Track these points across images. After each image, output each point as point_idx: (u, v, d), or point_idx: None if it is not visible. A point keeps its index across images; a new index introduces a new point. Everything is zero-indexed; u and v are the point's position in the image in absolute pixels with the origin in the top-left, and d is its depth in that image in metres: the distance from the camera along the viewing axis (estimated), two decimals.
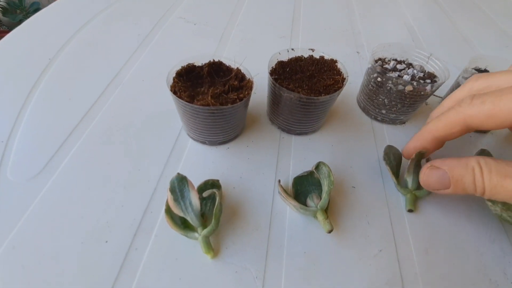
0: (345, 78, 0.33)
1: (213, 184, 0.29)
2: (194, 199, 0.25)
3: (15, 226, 0.26)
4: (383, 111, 0.38)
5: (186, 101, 0.28)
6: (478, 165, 0.21)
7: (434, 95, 0.43)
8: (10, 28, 1.48)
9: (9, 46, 0.45)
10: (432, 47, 0.57)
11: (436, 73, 0.37)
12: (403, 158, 0.33)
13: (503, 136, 0.40)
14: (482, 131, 0.40)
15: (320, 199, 0.28)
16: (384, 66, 0.38)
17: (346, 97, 0.43)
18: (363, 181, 0.32)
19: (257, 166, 0.33)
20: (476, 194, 0.22)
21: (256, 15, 0.60)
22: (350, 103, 0.42)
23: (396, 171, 0.32)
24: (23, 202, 0.27)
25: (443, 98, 0.43)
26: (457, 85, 0.40)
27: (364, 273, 0.25)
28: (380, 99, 0.37)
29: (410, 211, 0.29)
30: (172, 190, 0.25)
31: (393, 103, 0.36)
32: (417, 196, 0.30)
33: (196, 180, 0.28)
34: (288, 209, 0.29)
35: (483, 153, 0.34)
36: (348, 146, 0.36)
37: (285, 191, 0.28)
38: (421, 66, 0.38)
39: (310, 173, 0.31)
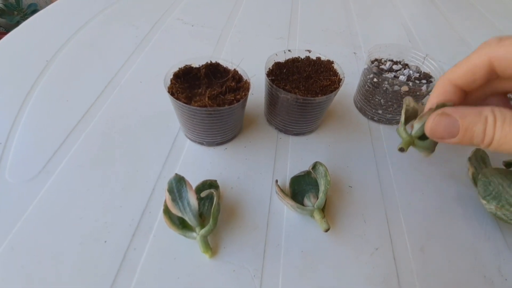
0: (341, 79, 0.33)
1: (211, 185, 0.29)
2: (192, 199, 0.25)
3: (14, 227, 0.26)
4: (380, 111, 0.38)
5: (184, 103, 0.28)
6: (492, 114, 0.20)
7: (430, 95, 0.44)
8: (7, 29, 1.48)
9: (6, 48, 0.45)
10: (428, 47, 0.57)
11: (431, 74, 0.38)
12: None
13: None
14: None
15: (317, 198, 0.28)
16: (380, 66, 0.38)
17: (342, 98, 0.43)
18: (359, 181, 0.33)
19: (254, 167, 0.33)
20: (481, 145, 0.21)
21: (254, 17, 0.61)
22: (347, 103, 0.43)
23: (407, 117, 0.27)
24: (21, 203, 0.28)
25: None
26: None
27: (361, 271, 0.26)
28: (377, 100, 0.37)
29: (401, 149, 0.25)
30: (170, 191, 0.26)
31: (389, 103, 0.36)
32: (414, 144, 0.26)
33: (194, 180, 0.29)
34: (286, 209, 0.29)
35: (478, 152, 0.34)
36: (345, 146, 0.36)
37: (282, 191, 0.28)
38: (417, 67, 0.38)
39: (307, 173, 0.31)
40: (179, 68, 0.32)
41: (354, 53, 0.53)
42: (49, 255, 0.25)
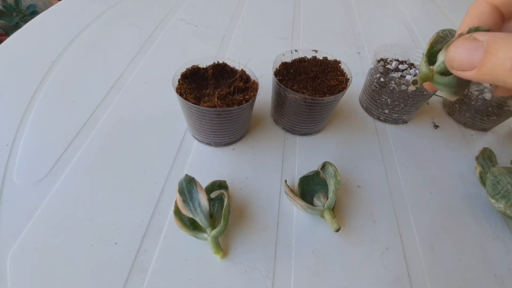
0: (349, 79, 0.33)
1: (220, 185, 0.29)
2: (203, 200, 0.25)
3: (24, 229, 0.26)
4: (386, 111, 0.38)
5: (192, 103, 0.28)
6: None
7: (436, 94, 0.44)
8: (6, 31, 1.47)
9: (10, 50, 0.45)
10: None
11: None
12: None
13: (505, 135, 0.40)
14: (484, 130, 0.40)
15: (327, 198, 0.28)
16: (386, 66, 0.38)
17: (348, 98, 0.43)
18: (368, 180, 0.33)
19: (262, 167, 0.33)
20: (508, 80, 0.16)
21: (257, 17, 0.61)
22: (353, 103, 0.43)
23: (434, 51, 0.22)
24: (30, 205, 0.27)
25: (443, 97, 0.44)
26: None
27: (372, 271, 0.26)
28: (383, 99, 0.37)
29: (414, 82, 0.21)
30: (181, 192, 0.26)
31: (396, 102, 0.36)
32: (433, 80, 0.21)
33: (203, 181, 0.28)
34: (295, 209, 0.29)
35: (485, 151, 0.34)
36: (352, 145, 0.36)
37: (292, 191, 0.28)
38: None
39: (316, 173, 0.31)
40: (187, 69, 0.32)
41: (358, 52, 0.53)
42: (59, 257, 0.24)
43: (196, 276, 0.24)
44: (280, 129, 0.37)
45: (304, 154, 0.35)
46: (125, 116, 0.37)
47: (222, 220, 0.25)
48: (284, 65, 0.35)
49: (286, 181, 0.30)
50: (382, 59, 0.40)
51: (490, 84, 0.36)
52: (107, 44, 0.48)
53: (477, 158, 0.34)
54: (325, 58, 0.36)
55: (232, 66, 0.34)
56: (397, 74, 0.36)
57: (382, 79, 0.36)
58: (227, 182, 0.30)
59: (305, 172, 0.32)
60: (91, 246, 0.25)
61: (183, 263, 0.25)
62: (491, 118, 0.38)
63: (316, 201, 0.29)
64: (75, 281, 0.23)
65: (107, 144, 0.33)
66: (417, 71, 0.37)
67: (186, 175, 0.26)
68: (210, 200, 0.28)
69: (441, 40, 0.21)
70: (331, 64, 0.35)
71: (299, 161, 0.34)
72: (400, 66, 0.38)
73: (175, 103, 0.30)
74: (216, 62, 0.33)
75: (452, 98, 0.21)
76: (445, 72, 0.20)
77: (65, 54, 0.45)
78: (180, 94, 0.29)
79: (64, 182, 0.29)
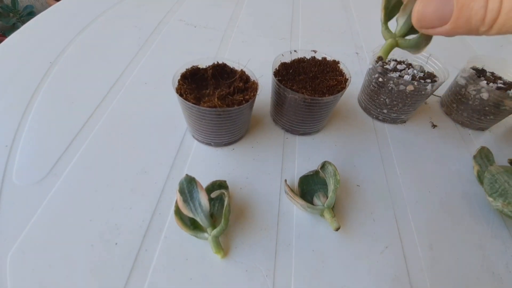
0: (347, 79, 0.33)
1: (220, 185, 0.29)
2: (203, 199, 0.25)
3: (23, 230, 0.26)
4: (385, 111, 0.38)
5: (193, 103, 0.28)
6: None
7: (434, 94, 0.44)
8: (3, 31, 1.46)
9: (10, 50, 0.45)
10: (430, 47, 0.57)
11: (435, 73, 0.38)
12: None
13: (501, 134, 0.41)
14: (481, 129, 0.40)
15: (327, 197, 0.28)
16: (385, 66, 0.38)
17: (347, 98, 0.43)
18: (367, 179, 0.33)
19: (262, 167, 0.33)
20: (482, 27, 0.15)
21: (255, 17, 0.61)
22: (351, 103, 0.43)
23: (390, 11, 0.22)
24: (30, 206, 0.27)
25: (441, 97, 0.44)
26: (456, 85, 0.40)
27: (371, 269, 0.26)
28: (382, 99, 0.37)
29: (379, 59, 0.22)
30: (181, 191, 0.26)
31: (395, 102, 0.37)
32: (398, 44, 0.21)
33: (203, 181, 0.28)
34: (295, 208, 0.30)
35: (483, 150, 0.35)
36: (351, 145, 0.37)
37: (292, 190, 0.28)
38: (420, 66, 0.39)
39: (316, 173, 0.31)
40: (187, 69, 0.32)
41: (356, 53, 0.54)
42: (60, 258, 0.24)
43: (196, 275, 0.24)
44: (279, 129, 0.37)
45: (304, 154, 0.35)
46: (125, 117, 0.37)
47: (222, 220, 0.25)
48: (284, 66, 0.35)
49: (286, 180, 0.30)
50: (380, 59, 0.40)
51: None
52: (107, 44, 0.48)
53: (474, 157, 0.35)
54: (324, 59, 0.36)
55: (231, 67, 0.34)
56: (395, 74, 0.36)
57: (380, 79, 0.36)
58: (227, 182, 0.30)
59: (304, 171, 0.32)
60: (91, 246, 0.25)
61: (184, 263, 0.25)
62: (488, 117, 0.38)
63: (316, 200, 0.29)
64: (76, 281, 0.23)
65: (107, 145, 0.33)
66: (414, 71, 0.37)
67: (187, 175, 0.26)
68: (210, 200, 0.28)
69: (391, 2, 0.21)
70: (330, 65, 0.35)
71: (299, 161, 0.34)
72: (398, 66, 0.38)
73: (175, 103, 0.30)
74: (215, 63, 0.34)
75: (418, 53, 0.21)
76: (408, 33, 0.20)
77: (64, 55, 0.45)
78: (180, 95, 0.29)
79: (64, 183, 0.29)
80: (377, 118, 0.40)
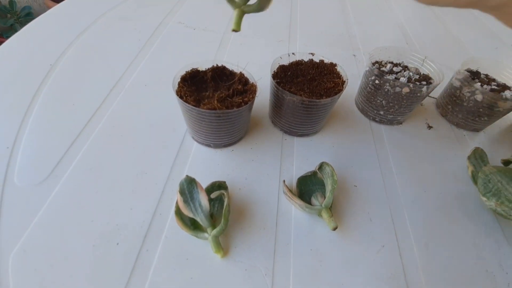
0: (345, 81, 0.34)
1: (220, 186, 0.30)
2: (203, 200, 0.26)
3: (25, 230, 0.26)
4: (381, 112, 0.39)
5: (193, 105, 0.29)
6: None
7: (429, 96, 0.45)
8: (1, 32, 1.46)
9: (10, 52, 0.45)
10: (425, 49, 0.59)
11: (431, 75, 0.39)
12: None
13: (496, 135, 0.42)
14: (476, 130, 0.41)
15: (324, 198, 0.29)
16: (381, 69, 0.39)
17: (344, 99, 0.44)
18: (364, 180, 0.33)
19: (261, 167, 0.33)
20: None
21: (254, 20, 0.61)
22: (348, 105, 0.44)
23: None
24: (32, 207, 0.28)
25: (437, 99, 0.45)
26: (451, 87, 0.41)
27: (368, 268, 0.26)
28: (378, 101, 0.38)
29: (234, 31, 0.22)
30: (182, 192, 0.26)
31: (391, 104, 0.37)
32: (245, 11, 0.23)
33: (203, 182, 0.29)
34: (293, 209, 0.30)
35: (477, 151, 0.36)
36: (348, 146, 0.37)
37: (290, 190, 0.29)
38: (416, 69, 0.40)
39: (314, 173, 0.32)
40: (186, 72, 0.33)
41: (354, 55, 0.54)
42: (61, 258, 0.25)
43: (197, 275, 0.25)
44: (278, 131, 0.38)
45: (302, 155, 0.35)
46: (125, 118, 0.37)
47: (222, 220, 0.26)
48: (282, 68, 0.36)
49: (284, 181, 0.30)
50: (377, 62, 0.41)
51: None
52: (107, 46, 0.49)
53: (469, 157, 0.35)
54: (321, 61, 0.37)
55: (230, 69, 0.35)
56: (391, 77, 0.37)
57: (377, 81, 0.37)
58: (226, 183, 0.31)
59: (303, 172, 0.32)
60: (93, 246, 0.26)
61: (184, 263, 0.25)
62: (482, 118, 0.39)
63: (313, 200, 0.29)
64: (77, 281, 0.24)
65: (108, 146, 0.34)
66: (410, 74, 0.38)
67: (187, 176, 0.27)
68: (210, 200, 0.28)
69: None
70: (328, 67, 0.36)
71: (297, 162, 0.35)
72: (395, 69, 0.39)
73: (174, 105, 0.31)
74: (215, 65, 0.34)
75: (263, 10, 0.22)
76: None
77: (64, 57, 0.45)
78: (180, 97, 0.30)
79: (65, 184, 0.30)
80: (374, 120, 0.41)
